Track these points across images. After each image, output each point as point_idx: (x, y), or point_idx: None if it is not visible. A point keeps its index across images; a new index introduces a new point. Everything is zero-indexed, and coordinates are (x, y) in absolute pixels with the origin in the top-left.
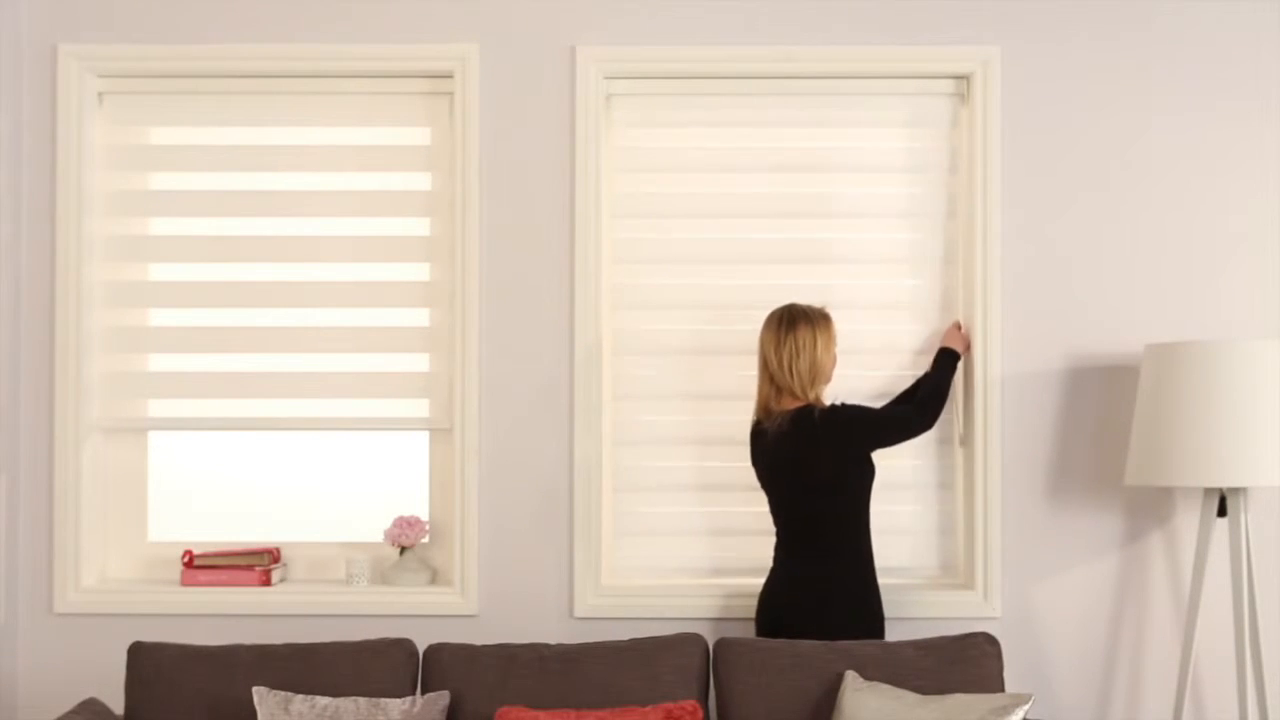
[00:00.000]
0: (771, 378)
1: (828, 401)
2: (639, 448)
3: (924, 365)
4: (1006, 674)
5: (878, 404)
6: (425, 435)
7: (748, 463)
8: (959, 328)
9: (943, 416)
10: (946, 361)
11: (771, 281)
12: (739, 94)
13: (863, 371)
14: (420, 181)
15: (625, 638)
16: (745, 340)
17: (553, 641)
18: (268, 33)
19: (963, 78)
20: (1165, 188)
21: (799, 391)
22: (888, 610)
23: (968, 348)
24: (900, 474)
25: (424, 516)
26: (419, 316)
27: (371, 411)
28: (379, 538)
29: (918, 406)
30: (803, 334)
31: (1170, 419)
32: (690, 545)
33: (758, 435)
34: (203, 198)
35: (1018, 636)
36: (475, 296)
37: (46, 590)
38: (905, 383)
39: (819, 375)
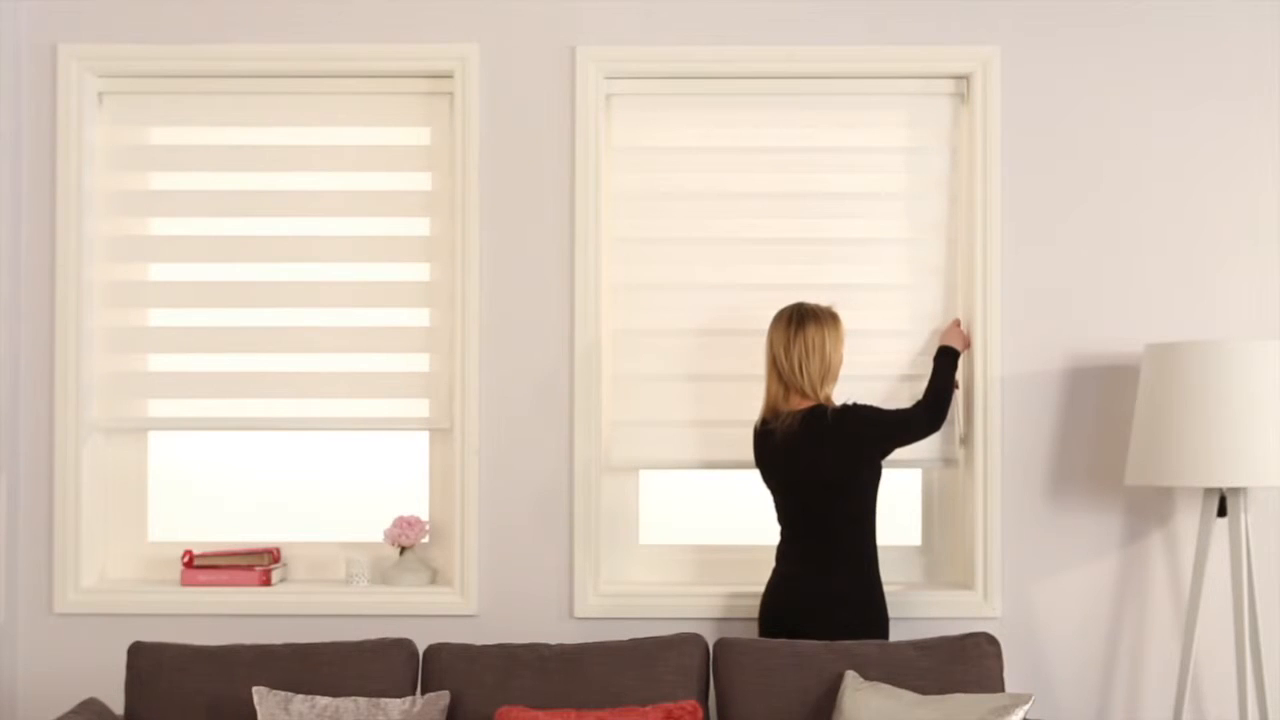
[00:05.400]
0: (780, 377)
1: (837, 401)
2: (639, 446)
3: (924, 364)
4: (1006, 674)
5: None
6: (425, 435)
7: (749, 458)
8: (958, 325)
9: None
10: (947, 360)
11: (772, 281)
12: (739, 94)
13: (864, 370)
14: (420, 181)
15: (625, 638)
16: (745, 340)
17: (553, 641)
18: (268, 33)
19: (963, 78)
20: (1165, 187)
21: (809, 391)
22: (888, 610)
23: (968, 345)
24: (900, 473)
25: (424, 516)
26: (419, 316)
27: (371, 411)
28: (379, 538)
29: (926, 407)
30: (812, 334)
31: (1170, 419)
32: (691, 544)
33: (764, 435)
34: (203, 198)
35: (1018, 636)
36: (475, 296)
37: (46, 590)
38: (908, 380)
39: (829, 374)
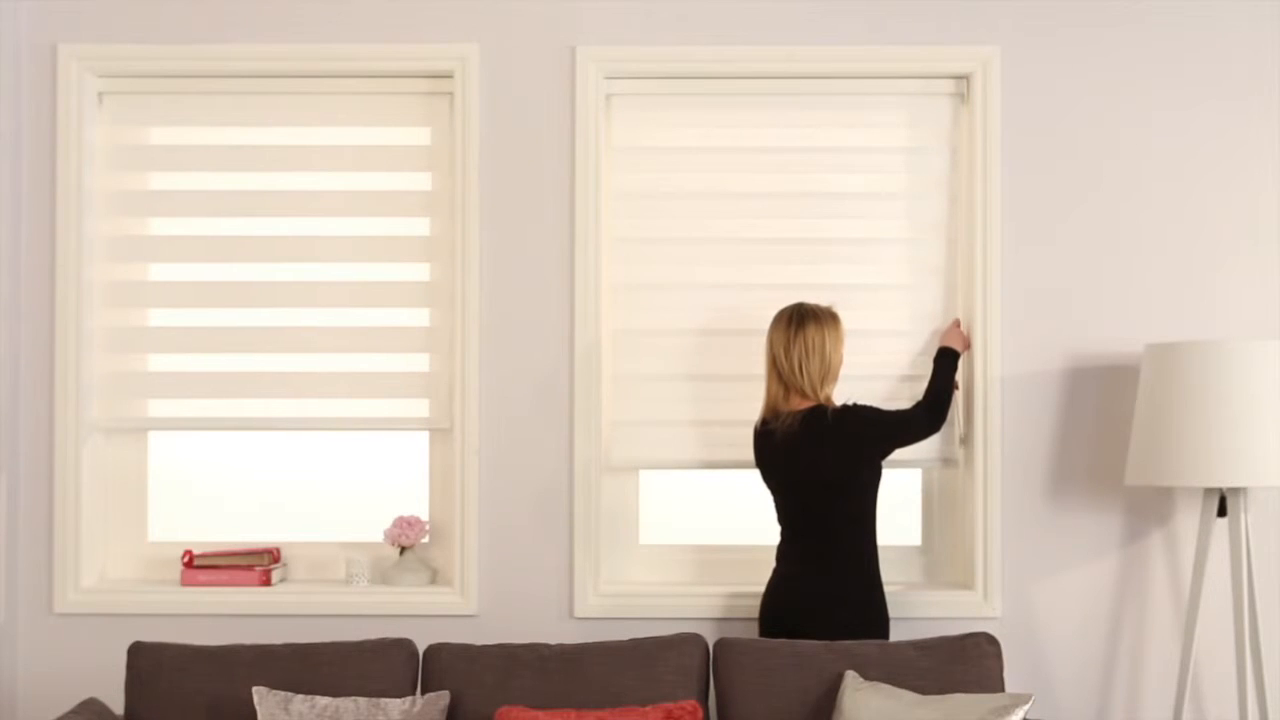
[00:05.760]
0: (781, 377)
1: (838, 401)
2: (639, 447)
3: (924, 364)
4: (1006, 674)
5: (885, 405)
6: (425, 435)
7: (749, 458)
8: (958, 325)
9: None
10: (947, 361)
11: (772, 281)
12: (739, 94)
13: (864, 370)
14: (420, 181)
15: (625, 638)
16: (745, 340)
17: (553, 641)
18: (268, 33)
19: (963, 78)
20: (1165, 187)
21: (809, 391)
22: (888, 610)
23: (967, 346)
24: (900, 472)
25: (424, 516)
26: (419, 316)
27: (371, 411)
28: (379, 538)
29: (926, 408)
30: (812, 334)
31: (1170, 419)
32: (691, 544)
33: (765, 435)
34: (203, 198)
35: (1018, 636)
36: (475, 296)
37: (46, 590)
38: (907, 380)
39: (829, 375)
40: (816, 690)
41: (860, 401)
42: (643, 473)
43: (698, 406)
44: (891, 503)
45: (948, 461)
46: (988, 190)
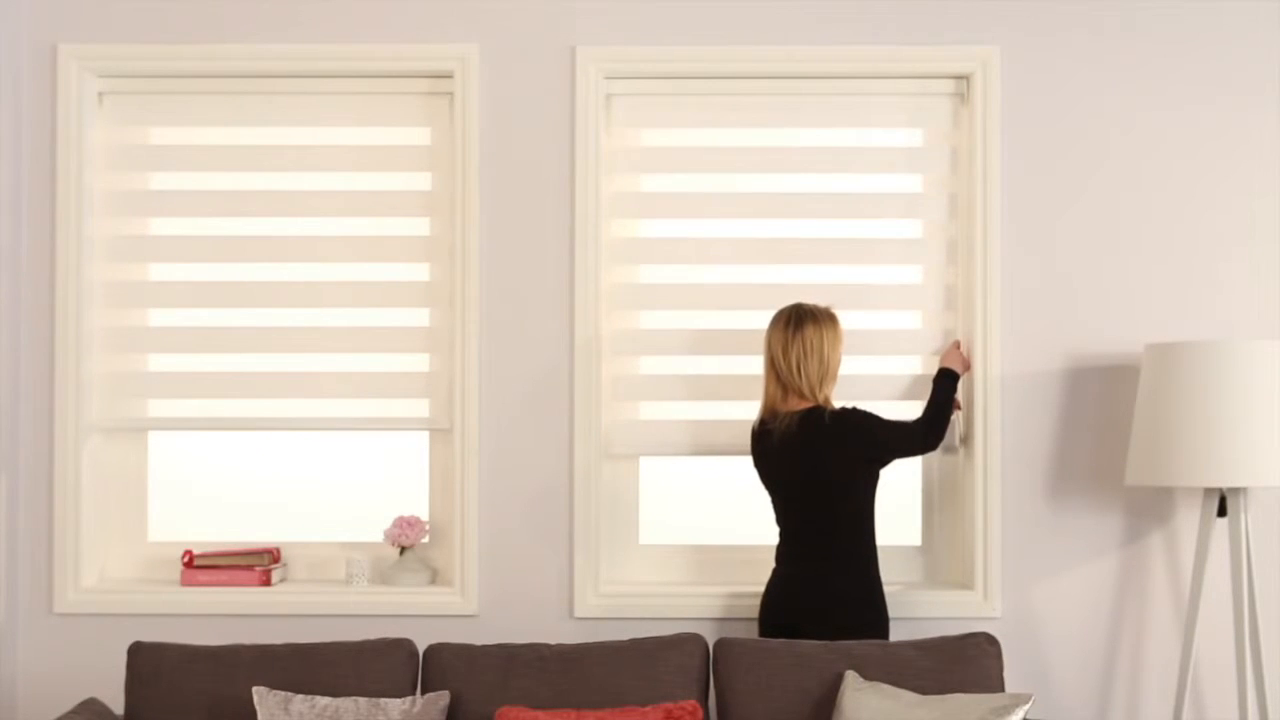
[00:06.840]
0: (779, 378)
1: (837, 403)
2: (638, 448)
3: (923, 364)
4: (1006, 674)
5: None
6: (425, 435)
7: (749, 462)
8: (958, 347)
9: None
10: (946, 382)
11: (771, 281)
12: (739, 94)
13: (864, 372)
14: (420, 181)
15: (625, 638)
16: (745, 341)
17: (553, 641)
18: (268, 33)
19: (963, 78)
20: (1165, 187)
21: (807, 392)
22: (888, 610)
23: (967, 368)
24: (900, 471)
25: (424, 516)
26: (419, 316)
27: (371, 411)
28: (379, 538)
29: (926, 422)
30: (810, 335)
31: (1170, 419)
32: (691, 544)
33: (762, 436)
34: (203, 198)
35: (1018, 636)
36: (475, 296)
37: (46, 590)
38: (907, 382)
39: (827, 375)
40: (816, 690)
41: (860, 407)
42: (642, 470)
43: (697, 406)
44: (891, 503)
45: (948, 449)
46: (988, 190)
